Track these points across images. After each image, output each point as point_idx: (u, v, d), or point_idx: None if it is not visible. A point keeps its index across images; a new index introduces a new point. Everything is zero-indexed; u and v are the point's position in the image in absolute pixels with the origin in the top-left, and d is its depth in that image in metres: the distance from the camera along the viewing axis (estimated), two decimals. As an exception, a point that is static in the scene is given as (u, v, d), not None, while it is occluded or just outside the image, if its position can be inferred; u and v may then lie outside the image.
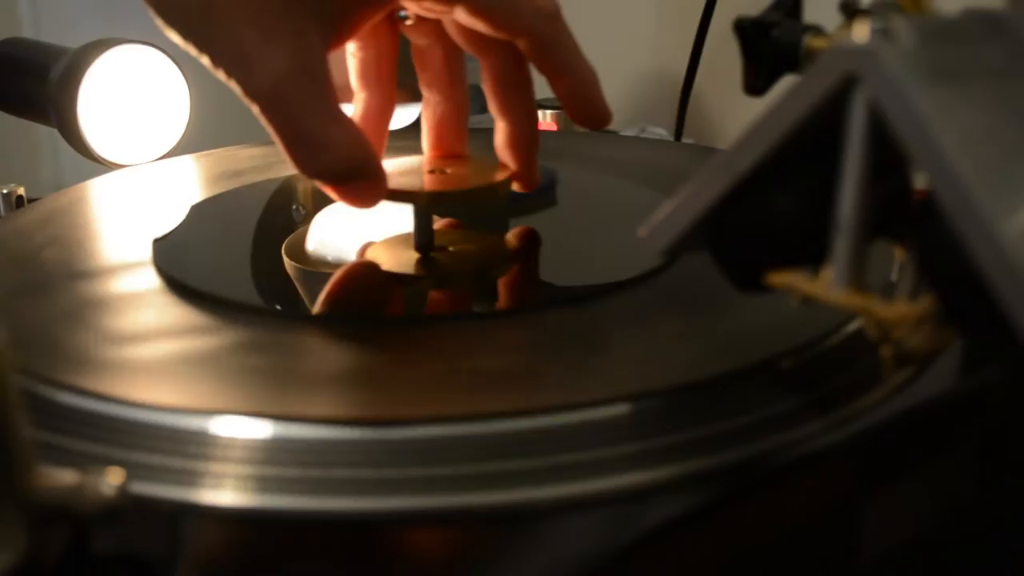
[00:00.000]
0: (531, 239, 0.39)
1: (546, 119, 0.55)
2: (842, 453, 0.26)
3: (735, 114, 0.71)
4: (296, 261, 0.37)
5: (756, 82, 0.30)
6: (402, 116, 0.51)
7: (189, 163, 0.50)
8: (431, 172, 0.35)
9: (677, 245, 0.26)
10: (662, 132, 0.65)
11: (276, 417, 0.26)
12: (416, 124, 0.53)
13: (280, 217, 0.43)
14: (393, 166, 0.35)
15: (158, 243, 0.38)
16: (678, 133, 0.59)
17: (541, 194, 0.46)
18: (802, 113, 0.23)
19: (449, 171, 0.35)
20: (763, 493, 0.25)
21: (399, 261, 0.36)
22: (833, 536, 0.27)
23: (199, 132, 0.53)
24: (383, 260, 0.36)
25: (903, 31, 0.22)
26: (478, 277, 0.36)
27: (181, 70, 0.51)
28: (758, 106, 0.28)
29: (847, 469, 0.27)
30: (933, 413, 0.28)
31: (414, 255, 0.36)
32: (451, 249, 0.37)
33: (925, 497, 0.28)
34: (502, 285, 0.36)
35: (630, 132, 0.64)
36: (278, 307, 0.34)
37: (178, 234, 0.40)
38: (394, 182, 0.33)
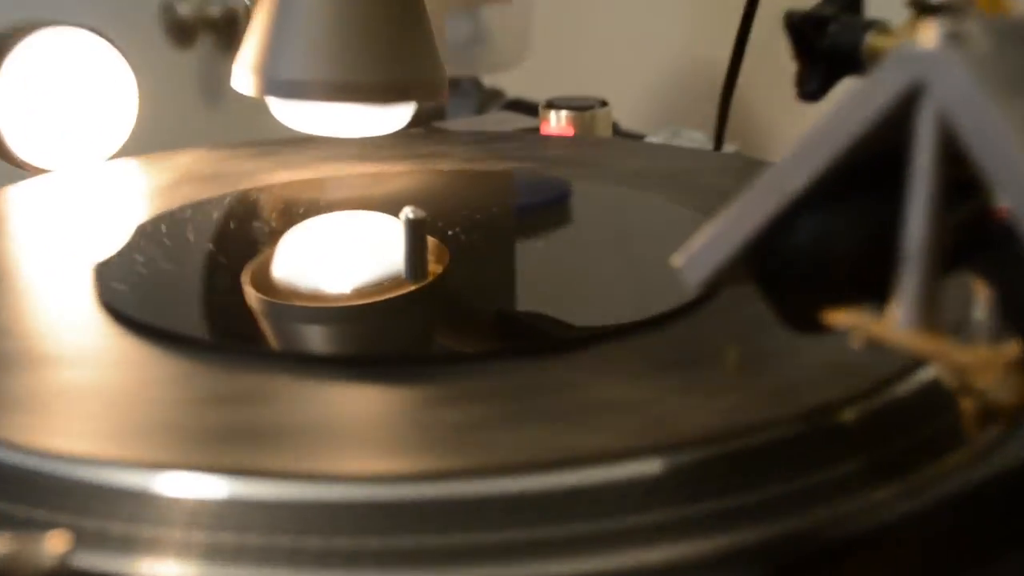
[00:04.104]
0: None
1: (561, 122, 0.54)
2: (915, 527, 0.27)
3: (789, 117, 0.72)
4: (260, 291, 0.38)
5: (810, 86, 0.31)
6: (390, 119, 0.52)
7: (133, 168, 0.51)
8: None
9: (718, 277, 0.27)
10: (699, 137, 0.66)
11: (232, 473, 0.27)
12: (405, 132, 0.54)
13: (241, 235, 0.44)
14: None
15: (100, 268, 0.40)
16: (718, 139, 0.60)
17: (549, 209, 0.47)
18: (862, 126, 0.24)
19: None
20: None
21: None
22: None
23: (149, 132, 0.54)
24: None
25: (977, 34, 0.23)
26: (473, 311, 0.38)
27: (126, 59, 0.52)
28: (815, 109, 0.30)
29: (921, 548, 0.28)
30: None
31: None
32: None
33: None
34: (505, 321, 0.37)
35: (659, 137, 0.65)
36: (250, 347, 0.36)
37: (122, 258, 0.41)
38: None
